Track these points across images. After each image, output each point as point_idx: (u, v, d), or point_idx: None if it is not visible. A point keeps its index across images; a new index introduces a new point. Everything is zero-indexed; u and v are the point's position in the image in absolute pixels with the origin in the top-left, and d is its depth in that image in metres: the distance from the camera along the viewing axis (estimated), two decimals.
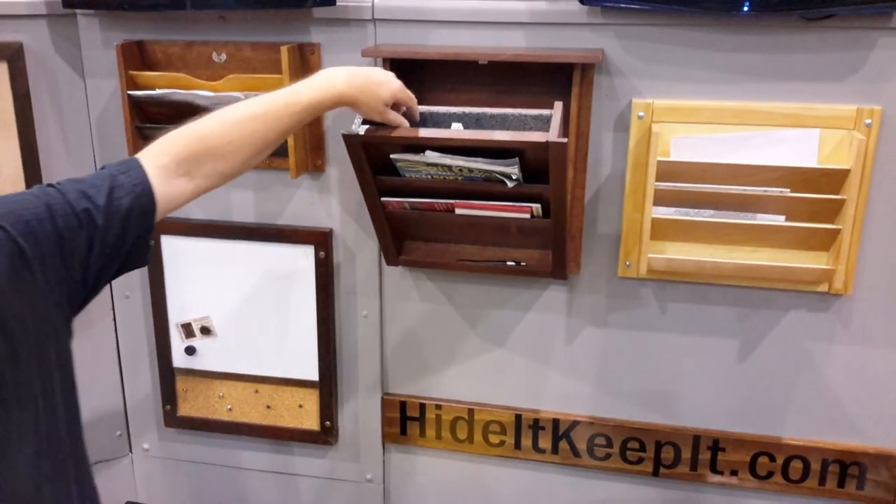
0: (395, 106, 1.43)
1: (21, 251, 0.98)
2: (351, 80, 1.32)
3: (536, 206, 1.52)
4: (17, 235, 0.98)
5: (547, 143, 1.35)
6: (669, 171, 1.54)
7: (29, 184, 1.79)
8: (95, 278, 1.09)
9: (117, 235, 1.08)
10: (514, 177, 1.45)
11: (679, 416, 1.77)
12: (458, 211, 1.57)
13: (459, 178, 1.50)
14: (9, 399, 0.98)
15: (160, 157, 1.15)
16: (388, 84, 1.38)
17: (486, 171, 1.45)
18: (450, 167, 1.46)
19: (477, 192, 1.53)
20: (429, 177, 1.51)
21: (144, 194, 1.11)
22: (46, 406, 1.03)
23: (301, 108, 1.26)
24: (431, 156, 1.46)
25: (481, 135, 1.42)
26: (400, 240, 1.71)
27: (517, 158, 1.43)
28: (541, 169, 1.43)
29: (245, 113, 1.21)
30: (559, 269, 1.62)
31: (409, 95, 1.44)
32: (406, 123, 1.44)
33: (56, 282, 1.03)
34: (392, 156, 1.48)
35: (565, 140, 1.35)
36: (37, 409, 1.02)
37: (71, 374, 1.09)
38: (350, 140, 1.45)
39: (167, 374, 1.98)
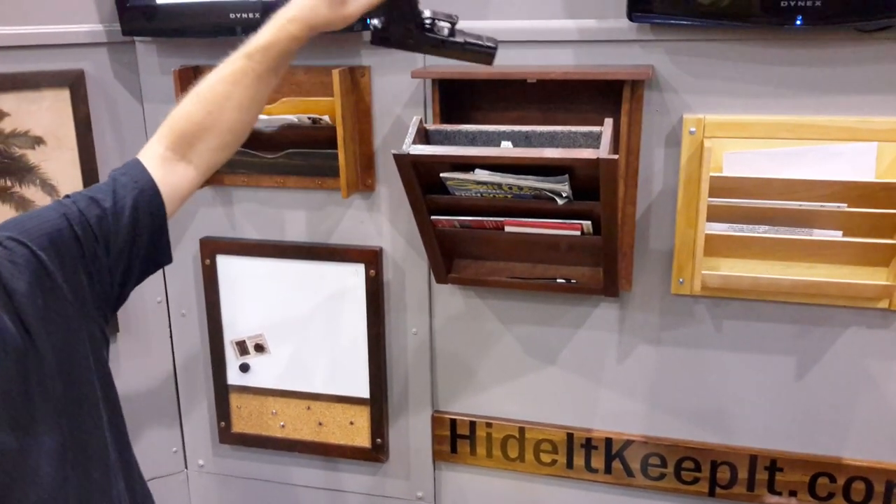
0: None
1: (43, 265, 1.02)
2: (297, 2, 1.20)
3: (587, 224, 1.52)
4: (38, 250, 1.02)
5: (598, 159, 1.35)
6: (723, 186, 1.52)
7: None
8: (121, 282, 1.13)
9: (131, 234, 1.11)
10: (564, 194, 1.45)
11: (735, 436, 1.74)
12: (507, 229, 1.57)
13: (509, 196, 1.50)
14: (40, 412, 1.00)
15: (154, 149, 1.17)
16: None
17: (536, 188, 1.46)
18: (499, 185, 1.47)
19: (527, 209, 1.53)
20: (478, 195, 1.52)
21: (148, 188, 1.13)
22: (88, 416, 1.06)
23: (261, 52, 1.17)
24: (481, 174, 1.47)
25: (531, 152, 1.43)
26: (450, 258, 1.72)
27: (567, 175, 1.43)
28: (591, 186, 1.43)
29: (213, 79, 1.19)
30: (611, 286, 1.61)
31: None
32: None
33: (82, 291, 1.06)
34: (442, 175, 1.50)
35: (616, 157, 1.35)
36: (76, 419, 1.04)
37: (110, 382, 1.12)
38: (400, 160, 1.46)
39: (222, 391, 2.01)
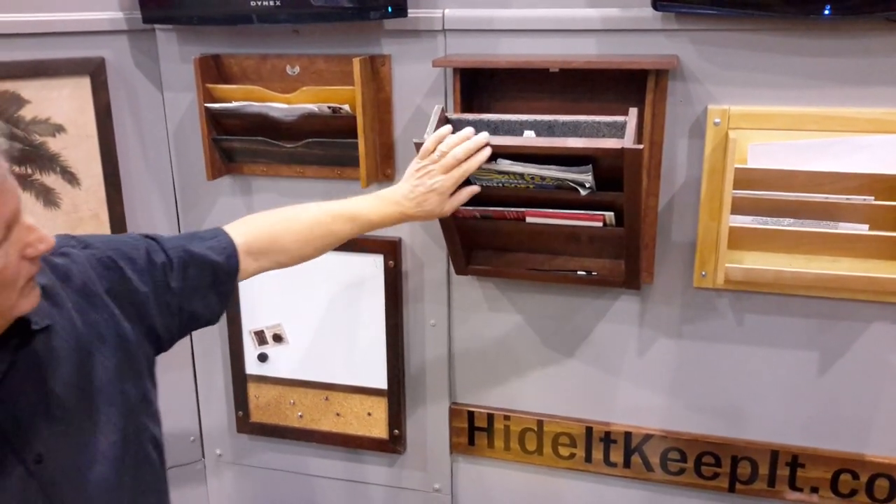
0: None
1: (123, 274, 1.14)
2: (411, 204, 1.44)
3: (609, 215, 1.51)
4: (119, 259, 1.15)
5: (622, 149, 1.33)
6: (747, 178, 1.50)
7: (108, 193, 1.85)
8: (170, 336, 1.23)
9: (204, 285, 1.24)
10: (587, 185, 1.44)
11: (756, 431, 1.72)
12: (529, 220, 1.56)
13: (531, 187, 1.49)
14: (102, 412, 1.07)
15: (241, 238, 1.30)
16: (442, 197, 1.44)
17: (558, 179, 1.44)
18: (521, 175, 1.46)
19: (549, 200, 1.52)
20: (500, 185, 1.50)
21: (233, 255, 1.28)
22: (141, 425, 1.15)
23: (362, 225, 1.42)
24: (504, 164, 1.45)
25: (554, 142, 1.41)
26: (469, 249, 1.70)
27: (591, 166, 1.41)
28: (614, 176, 1.41)
29: (314, 219, 1.39)
30: (632, 278, 1.60)
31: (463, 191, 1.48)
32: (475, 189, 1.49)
33: (149, 314, 1.17)
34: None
35: (641, 146, 1.33)
36: (133, 425, 1.13)
37: (155, 393, 1.22)
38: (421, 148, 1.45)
39: (240, 381, 2.01)
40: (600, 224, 1.52)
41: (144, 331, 1.16)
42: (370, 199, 1.44)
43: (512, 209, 1.55)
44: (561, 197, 1.50)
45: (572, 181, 1.44)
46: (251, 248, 1.31)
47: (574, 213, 1.52)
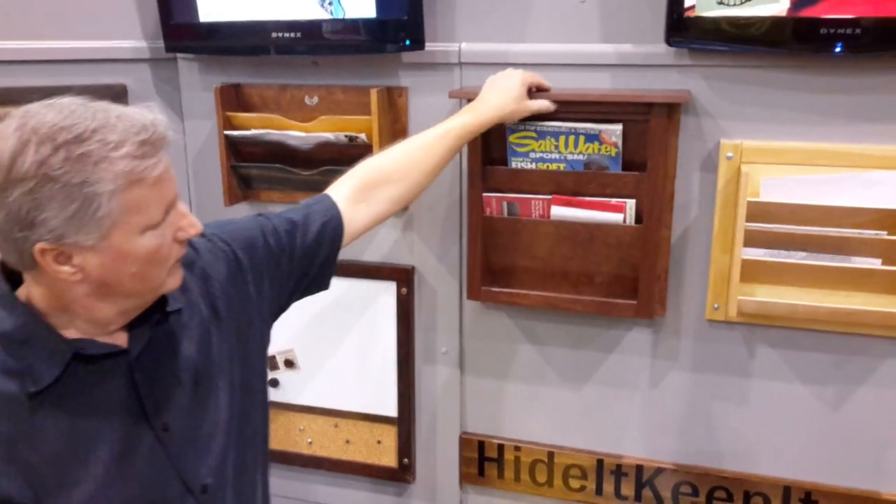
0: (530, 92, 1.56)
1: (239, 263, 1.23)
2: (492, 100, 1.51)
3: (631, 204, 1.56)
4: (237, 249, 1.24)
5: (652, 103, 1.47)
6: (760, 211, 1.51)
7: None
8: (289, 293, 1.32)
9: (312, 254, 1.31)
10: (614, 138, 1.55)
11: (769, 466, 1.71)
12: (554, 210, 1.62)
13: (562, 167, 1.58)
14: (216, 386, 1.17)
15: (343, 188, 1.38)
16: (516, 82, 1.53)
17: (592, 131, 1.56)
18: (556, 146, 1.57)
19: (576, 186, 1.61)
20: (534, 165, 1.59)
21: (334, 219, 1.34)
22: (253, 401, 1.24)
23: (455, 136, 1.46)
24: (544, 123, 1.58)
25: (590, 93, 1.58)
26: (486, 265, 1.71)
27: (621, 125, 1.54)
28: (639, 159, 1.56)
29: (411, 145, 1.45)
30: (646, 301, 1.60)
31: (535, 79, 1.56)
32: (550, 106, 1.55)
33: (262, 293, 1.26)
34: (509, 125, 1.61)
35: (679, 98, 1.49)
36: (245, 401, 1.21)
37: (266, 374, 1.32)
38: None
39: None
40: (621, 217, 1.58)
41: (259, 308, 1.26)
42: (458, 114, 1.51)
43: (539, 197, 1.62)
44: (590, 178, 1.59)
45: (604, 131, 1.55)
46: (356, 194, 1.37)
47: (598, 200, 1.59)
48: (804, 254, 1.54)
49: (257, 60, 1.81)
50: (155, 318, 1.10)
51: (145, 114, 0.99)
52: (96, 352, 1.04)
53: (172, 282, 1.07)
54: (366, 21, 1.64)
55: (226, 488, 1.17)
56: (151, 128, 0.97)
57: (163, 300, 1.10)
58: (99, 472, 1.03)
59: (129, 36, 1.83)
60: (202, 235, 1.17)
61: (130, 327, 1.08)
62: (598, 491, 1.83)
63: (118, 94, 1.81)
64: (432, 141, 1.45)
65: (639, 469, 1.79)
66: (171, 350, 1.12)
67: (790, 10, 1.42)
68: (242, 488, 1.22)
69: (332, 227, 1.33)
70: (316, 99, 1.79)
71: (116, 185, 0.93)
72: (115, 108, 0.98)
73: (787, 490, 1.69)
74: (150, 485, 1.08)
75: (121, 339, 1.07)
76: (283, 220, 1.31)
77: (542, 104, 1.55)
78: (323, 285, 1.38)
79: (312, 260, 1.32)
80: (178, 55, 1.86)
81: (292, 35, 1.68)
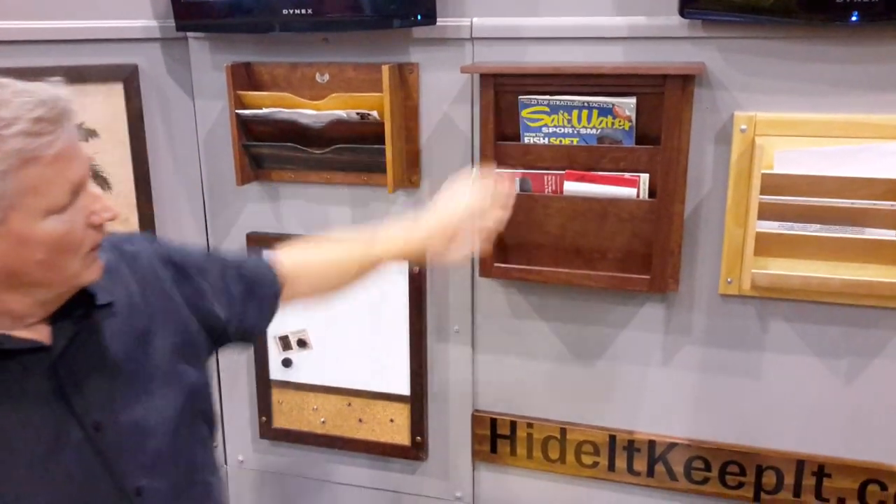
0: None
1: (178, 267, 1.19)
2: (434, 235, 1.37)
3: (645, 178, 1.57)
4: (176, 257, 1.20)
5: (666, 75, 1.48)
6: (774, 184, 1.51)
7: (139, 197, 1.88)
8: (233, 330, 1.27)
9: (251, 295, 1.28)
10: (627, 111, 1.55)
11: (782, 440, 1.71)
12: (567, 186, 1.62)
13: (575, 141, 1.59)
14: (150, 381, 1.12)
15: (278, 265, 1.33)
16: (457, 220, 1.36)
17: (605, 104, 1.56)
18: (569, 120, 1.58)
19: (589, 161, 1.61)
20: (546, 140, 1.59)
21: (277, 276, 1.31)
22: (192, 397, 1.18)
23: (386, 259, 1.41)
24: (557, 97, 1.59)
25: (603, 66, 1.56)
26: (499, 241, 1.69)
27: (634, 98, 1.54)
28: (652, 132, 1.56)
29: (342, 255, 1.40)
30: (659, 273, 1.59)
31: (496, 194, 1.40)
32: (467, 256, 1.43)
33: (207, 308, 1.22)
34: (521, 97, 1.60)
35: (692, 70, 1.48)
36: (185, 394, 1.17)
37: (208, 381, 1.27)
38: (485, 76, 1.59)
39: (264, 386, 2.03)
40: (634, 192, 1.57)
41: (202, 322, 1.21)
42: (396, 232, 1.41)
43: (553, 172, 1.61)
44: (603, 153, 1.59)
45: (617, 104, 1.55)
46: (291, 271, 1.33)
47: (611, 175, 1.59)
48: (818, 226, 1.53)
49: (267, 38, 1.81)
50: (77, 313, 1.04)
51: (46, 88, 0.93)
52: (12, 347, 0.99)
53: (88, 275, 1.02)
54: None
55: (167, 491, 1.12)
56: (50, 102, 0.92)
57: (90, 293, 1.05)
58: (21, 472, 0.99)
59: (139, 15, 1.82)
60: (151, 242, 1.17)
61: (54, 320, 1.03)
62: (611, 467, 1.83)
63: (129, 75, 1.81)
64: (366, 259, 1.39)
65: (651, 444, 1.79)
66: (100, 346, 1.07)
67: None
68: (192, 492, 1.17)
69: (273, 282, 1.31)
70: (327, 76, 1.79)
71: (9, 164, 0.89)
72: (13, 84, 0.92)
73: (800, 464, 1.70)
74: (80, 486, 1.03)
75: (43, 334, 1.02)
76: (230, 258, 1.30)
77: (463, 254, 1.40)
78: (260, 328, 1.33)
79: (245, 306, 1.28)
80: (189, 34, 1.85)
81: (303, 12, 1.68)
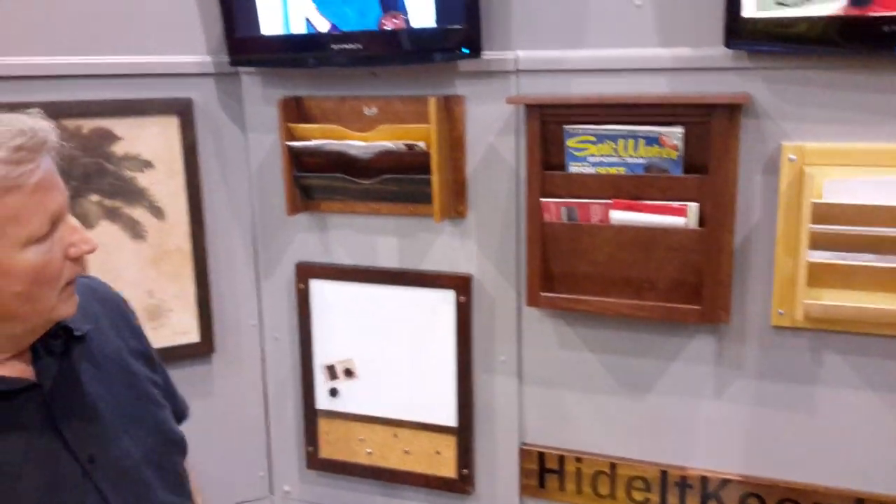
0: None
1: (139, 332, 1.25)
2: None
3: (693, 207, 1.55)
4: (129, 312, 1.26)
5: (714, 104, 1.48)
6: (825, 213, 1.48)
7: (192, 228, 1.92)
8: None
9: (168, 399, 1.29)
10: (675, 139, 1.54)
11: (839, 477, 1.65)
12: (612, 216, 1.61)
13: (622, 170, 1.58)
14: (139, 404, 1.17)
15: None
16: None
17: (652, 133, 1.56)
18: (615, 150, 1.57)
19: (636, 190, 1.60)
20: (593, 169, 1.61)
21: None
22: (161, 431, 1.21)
23: None
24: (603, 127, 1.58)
25: (650, 95, 1.57)
26: (546, 271, 1.70)
27: (682, 127, 1.54)
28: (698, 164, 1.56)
29: None
30: (709, 303, 1.57)
31: None
32: None
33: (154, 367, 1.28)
34: (566, 127, 1.61)
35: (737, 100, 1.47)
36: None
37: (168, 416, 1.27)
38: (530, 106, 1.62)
39: (311, 416, 2.04)
40: (682, 220, 1.56)
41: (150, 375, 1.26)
42: None
43: (599, 201, 1.61)
44: (650, 182, 1.59)
45: (664, 133, 1.55)
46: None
47: (658, 204, 1.58)
48: (872, 255, 1.50)
49: (317, 73, 1.85)
50: (58, 345, 1.06)
51: (25, 119, 0.94)
52: (6, 388, 1.00)
53: (64, 309, 1.02)
54: (425, 30, 1.66)
55: None
56: (30, 132, 0.92)
57: (66, 328, 1.06)
58: None
59: (194, 51, 1.89)
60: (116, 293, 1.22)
61: (35, 359, 1.04)
62: (663, 503, 1.79)
63: (184, 108, 1.87)
64: None
65: (704, 480, 1.75)
66: (82, 381, 1.08)
67: (848, 8, 1.40)
68: None
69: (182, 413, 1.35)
70: (374, 109, 1.82)
71: None
72: None
73: (858, 502, 1.64)
74: None
75: (24, 371, 1.03)
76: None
77: None
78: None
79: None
80: (241, 69, 1.91)
81: (353, 47, 1.72)
